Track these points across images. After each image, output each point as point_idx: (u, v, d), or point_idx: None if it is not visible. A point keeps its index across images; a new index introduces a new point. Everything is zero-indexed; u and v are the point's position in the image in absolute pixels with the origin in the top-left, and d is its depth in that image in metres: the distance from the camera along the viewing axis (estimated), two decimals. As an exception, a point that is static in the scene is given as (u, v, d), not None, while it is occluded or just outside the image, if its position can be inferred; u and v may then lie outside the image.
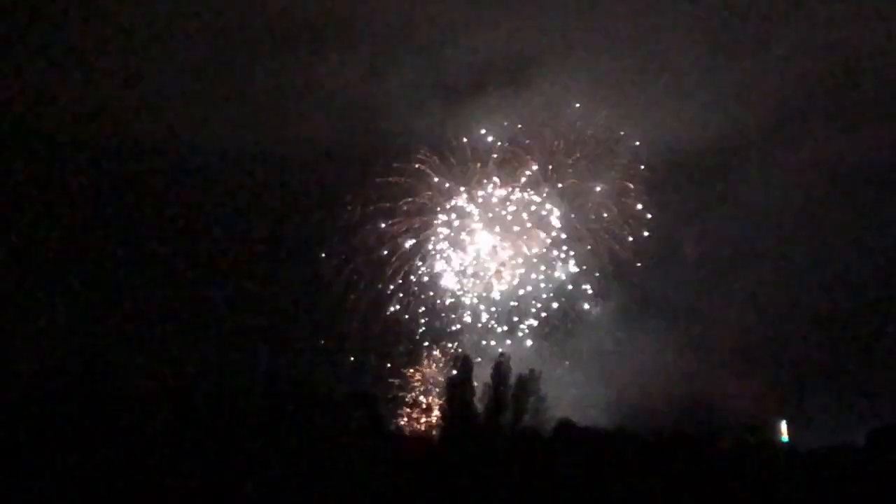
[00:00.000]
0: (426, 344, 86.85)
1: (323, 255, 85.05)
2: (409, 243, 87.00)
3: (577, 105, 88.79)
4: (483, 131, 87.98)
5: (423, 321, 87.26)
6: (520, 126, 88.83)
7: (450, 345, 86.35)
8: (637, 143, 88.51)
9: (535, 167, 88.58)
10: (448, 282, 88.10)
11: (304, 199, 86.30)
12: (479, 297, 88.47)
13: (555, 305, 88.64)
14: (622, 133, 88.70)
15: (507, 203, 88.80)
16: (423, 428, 69.52)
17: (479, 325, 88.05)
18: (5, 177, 79.07)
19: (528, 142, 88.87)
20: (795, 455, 71.36)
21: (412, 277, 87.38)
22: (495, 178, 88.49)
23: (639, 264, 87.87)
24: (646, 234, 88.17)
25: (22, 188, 78.86)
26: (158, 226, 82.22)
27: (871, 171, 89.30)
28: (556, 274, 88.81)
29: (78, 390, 55.21)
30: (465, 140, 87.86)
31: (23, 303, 72.19)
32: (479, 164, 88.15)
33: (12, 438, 52.21)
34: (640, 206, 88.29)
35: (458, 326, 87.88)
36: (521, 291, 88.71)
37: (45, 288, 74.99)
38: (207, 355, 71.71)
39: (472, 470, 59.46)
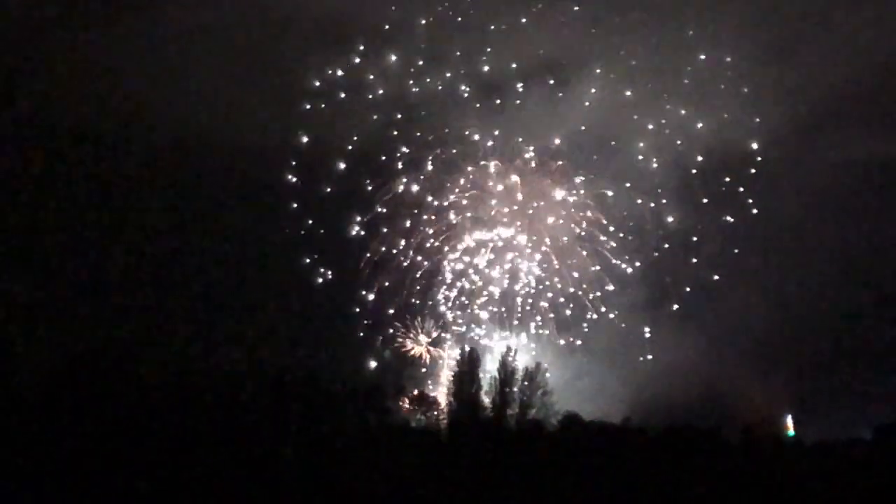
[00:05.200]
0: (434, 336, 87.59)
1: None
2: (420, 239, 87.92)
3: (608, 111, 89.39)
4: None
5: (430, 314, 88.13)
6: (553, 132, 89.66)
7: (456, 332, 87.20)
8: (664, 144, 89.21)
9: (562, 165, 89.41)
10: (460, 276, 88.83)
11: (324, 198, 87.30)
12: (492, 290, 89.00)
13: (571, 301, 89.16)
14: (651, 127, 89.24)
15: (534, 200, 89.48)
16: (429, 421, 70.03)
17: (490, 317, 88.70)
18: (24, 174, 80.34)
19: (557, 142, 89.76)
20: (801, 448, 71.59)
21: (420, 272, 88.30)
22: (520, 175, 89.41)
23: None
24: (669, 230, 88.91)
25: (37, 185, 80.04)
26: (172, 223, 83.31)
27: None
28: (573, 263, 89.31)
29: (90, 385, 56.36)
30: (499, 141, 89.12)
31: (36, 300, 73.38)
32: (509, 162, 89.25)
33: (25, 431, 53.63)
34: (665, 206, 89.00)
35: (468, 319, 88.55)
36: (535, 283, 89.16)
37: (59, 285, 76.29)
38: (214, 351, 72.83)
39: (479, 463, 59.93)
